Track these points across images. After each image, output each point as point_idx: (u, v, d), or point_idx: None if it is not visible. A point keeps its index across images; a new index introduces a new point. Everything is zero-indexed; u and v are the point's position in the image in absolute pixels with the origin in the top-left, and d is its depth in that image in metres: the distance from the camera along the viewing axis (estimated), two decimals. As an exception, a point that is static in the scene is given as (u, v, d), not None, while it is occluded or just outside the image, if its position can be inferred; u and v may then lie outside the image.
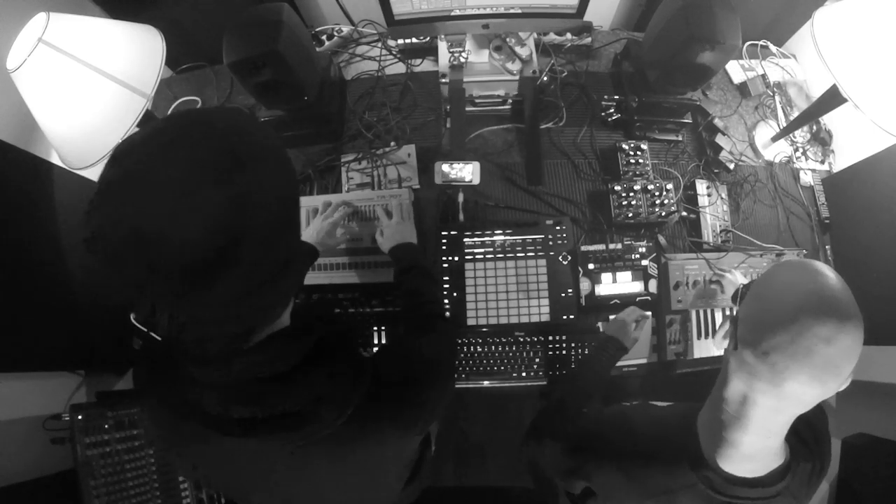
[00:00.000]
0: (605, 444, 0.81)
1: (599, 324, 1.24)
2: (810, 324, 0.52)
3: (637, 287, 1.24)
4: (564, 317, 1.22)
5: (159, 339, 1.33)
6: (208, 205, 0.41)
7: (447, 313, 0.98)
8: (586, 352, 1.21)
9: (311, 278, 1.24)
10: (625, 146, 1.31)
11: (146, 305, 0.43)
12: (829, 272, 0.57)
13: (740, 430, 0.61)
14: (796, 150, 1.42)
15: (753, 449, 0.63)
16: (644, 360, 1.22)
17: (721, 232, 1.30)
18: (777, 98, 1.47)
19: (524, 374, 1.21)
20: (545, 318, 1.22)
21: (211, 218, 0.41)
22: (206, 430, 0.53)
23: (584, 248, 1.25)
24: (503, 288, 1.24)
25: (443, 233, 1.27)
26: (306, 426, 0.53)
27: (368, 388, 0.57)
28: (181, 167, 0.41)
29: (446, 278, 1.25)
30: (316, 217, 1.20)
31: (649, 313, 1.18)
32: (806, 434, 0.70)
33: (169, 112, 1.53)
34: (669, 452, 0.71)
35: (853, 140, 1.36)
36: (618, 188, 1.26)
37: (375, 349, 0.62)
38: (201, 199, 0.40)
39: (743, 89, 1.48)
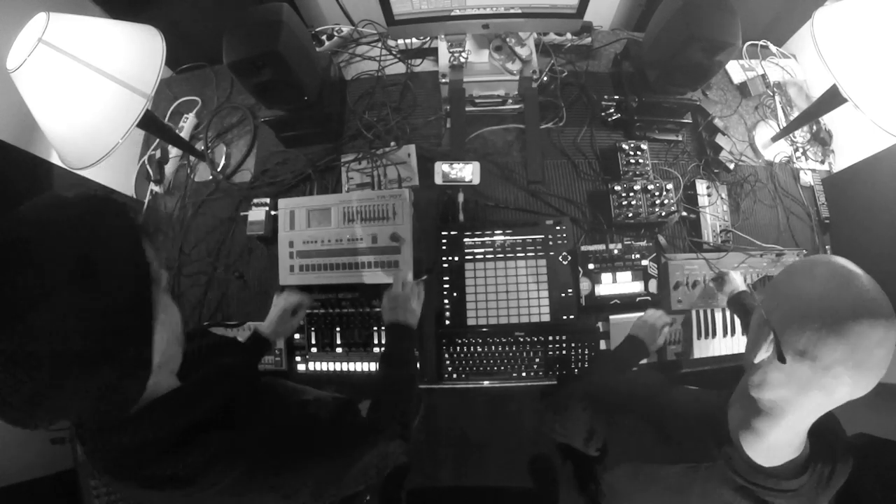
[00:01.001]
0: (637, 401, 0.81)
1: (599, 323, 1.24)
2: (867, 331, 0.52)
3: (637, 287, 1.24)
4: (564, 317, 1.22)
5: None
6: None
7: (414, 406, 0.94)
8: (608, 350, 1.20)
9: (312, 278, 1.25)
10: (625, 146, 1.31)
11: None
12: (859, 270, 0.57)
13: (769, 424, 0.62)
14: (796, 150, 1.42)
15: (779, 441, 0.63)
16: (644, 361, 1.22)
17: (721, 232, 1.30)
18: (777, 98, 1.47)
19: (524, 374, 1.21)
20: (545, 318, 1.22)
21: None
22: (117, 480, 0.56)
23: (584, 248, 1.25)
24: (503, 288, 1.24)
25: (443, 233, 1.27)
26: (185, 487, 0.55)
27: (248, 461, 0.58)
28: None
29: (446, 278, 1.25)
30: (275, 304, 1.15)
31: (673, 318, 1.16)
32: (824, 431, 0.69)
33: (172, 109, 1.53)
34: (701, 424, 0.72)
35: (853, 140, 1.36)
36: (618, 188, 1.26)
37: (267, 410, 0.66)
38: None
39: (743, 89, 1.48)
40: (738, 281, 1.17)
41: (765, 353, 0.60)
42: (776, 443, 0.63)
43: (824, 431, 0.68)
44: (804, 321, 0.56)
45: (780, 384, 0.59)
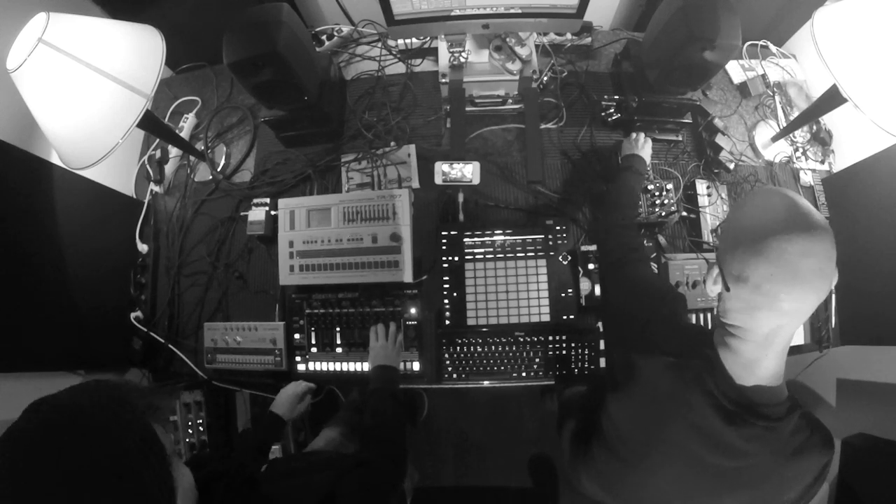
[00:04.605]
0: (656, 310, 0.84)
1: (599, 323, 1.24)
2: (784, 246, 0.57)
3: (637, 287, 1.24)
4: (564, 317, 1.22)
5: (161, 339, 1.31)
6: None
7: (401, 438, 0.99)
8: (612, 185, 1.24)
9: (312, 278, 1.25)
10: (625, 146, 1.31)
11: None
12: (789, 193, 0.62)
13: (738, 342, 0.66)
14: (796, 150, 1.41)
15: (752, 358, 0.66)
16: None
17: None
18: (777, 98, 1.47)
19: (524, 374, 1.21)
20: (545, 318, 1.22)
21: None
22: None
23: (584, 248, 1.25)
24: (503, 288, 1.24)
25: (443, 233, 1.27)
26: None
27: None
28: None
29: (446, 278, 1.25)
30: (283, 389, 1.20)
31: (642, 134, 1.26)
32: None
33: (172, 109, 1.53)
34: (695, 332, 0.79)
35: (853, 140, 1.36)
36: (618, 188, 1.26)
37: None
38: None
39: (743, 89, 1.48)
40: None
41: (716, 286, 0.67)
42: (749, 360, 0.66)
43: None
44: (735, 248, 0.62)
45: (736, 310, 0.65)
